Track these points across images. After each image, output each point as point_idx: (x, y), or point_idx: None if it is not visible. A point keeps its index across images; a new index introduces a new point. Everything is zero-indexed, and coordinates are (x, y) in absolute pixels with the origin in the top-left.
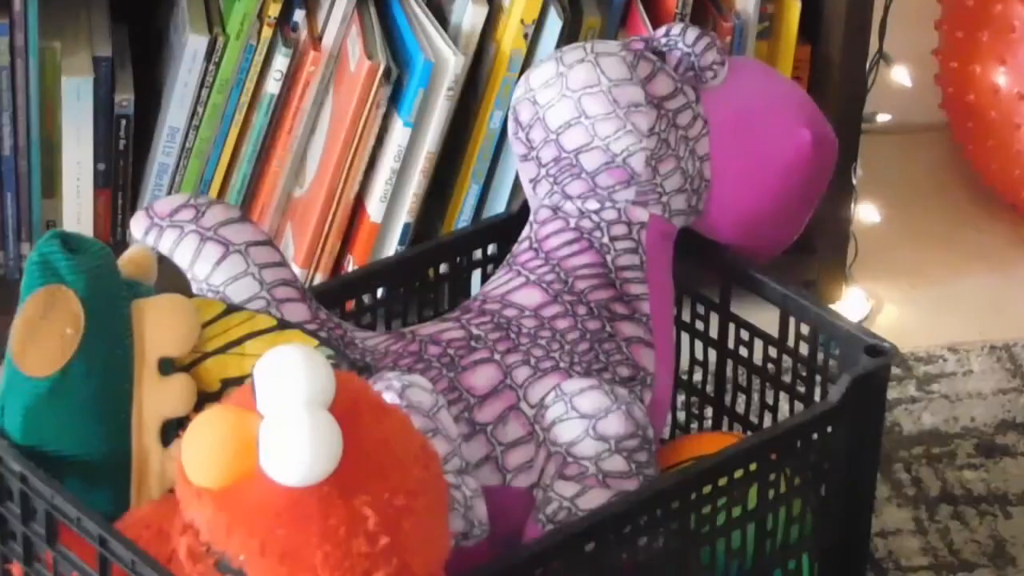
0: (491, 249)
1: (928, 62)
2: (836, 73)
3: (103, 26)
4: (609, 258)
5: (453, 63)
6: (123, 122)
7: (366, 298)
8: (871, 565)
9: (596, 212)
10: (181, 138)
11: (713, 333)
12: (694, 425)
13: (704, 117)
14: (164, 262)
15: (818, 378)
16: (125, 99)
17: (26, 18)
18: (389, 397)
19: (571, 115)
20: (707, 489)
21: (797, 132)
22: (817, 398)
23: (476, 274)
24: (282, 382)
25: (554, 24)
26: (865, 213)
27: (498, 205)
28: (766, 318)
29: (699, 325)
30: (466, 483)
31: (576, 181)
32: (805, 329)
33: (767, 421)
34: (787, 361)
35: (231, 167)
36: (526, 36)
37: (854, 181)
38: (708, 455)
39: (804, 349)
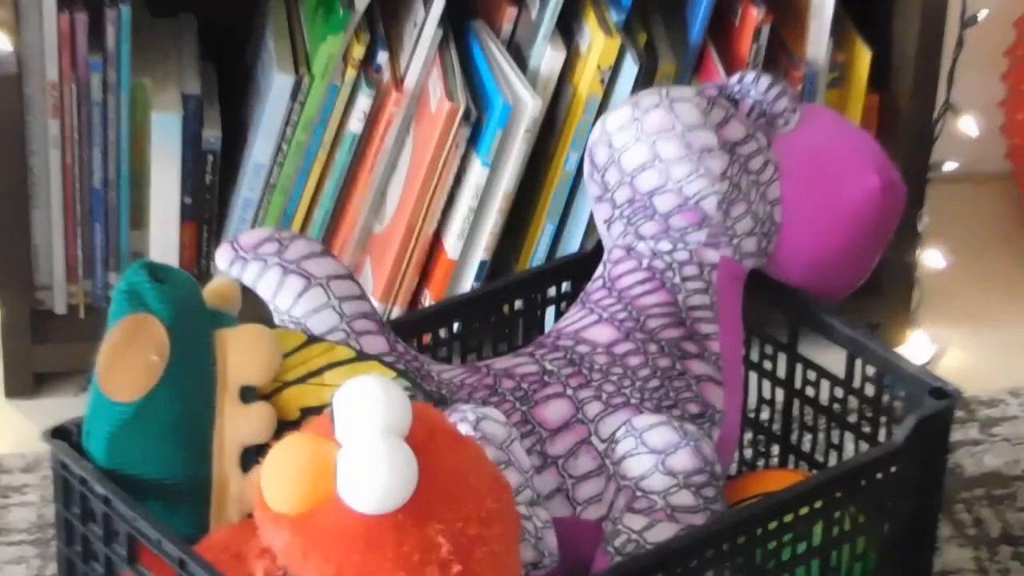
0: (565, 287)
1: (994, 113)
2: (904, 122)
3: (192, 64)
4: (680, 298)
5: (531, 106)
6: (210, 157)
7: (442, 332)
8: None
9: (668, 253)
10: (266, 174)
11: (781, 373)
12: (761, 462)
13: (775, 162)
14: (247, 293)
15: (883, 419)
16: (212, 135)
17: (119, 56)
18: (464, 429)
19: (646, 158)
20: (773, 525)
21: (866, 179)
22: (882, 438)
23: (550, 310)
24: (360, 412)
25: (630, 70)
26: (930, 259)
27: (572, 244)
28: (833, 359)
29: (767, 365)
30: (537, 514)
31: (649, 222)
32: (871, 371)
33: (832, 460)
34: (853, 401)
35: (313, 203)
36: (603, 81)
37: (920, 227)
38: (774, 492)
39: (870, 390)
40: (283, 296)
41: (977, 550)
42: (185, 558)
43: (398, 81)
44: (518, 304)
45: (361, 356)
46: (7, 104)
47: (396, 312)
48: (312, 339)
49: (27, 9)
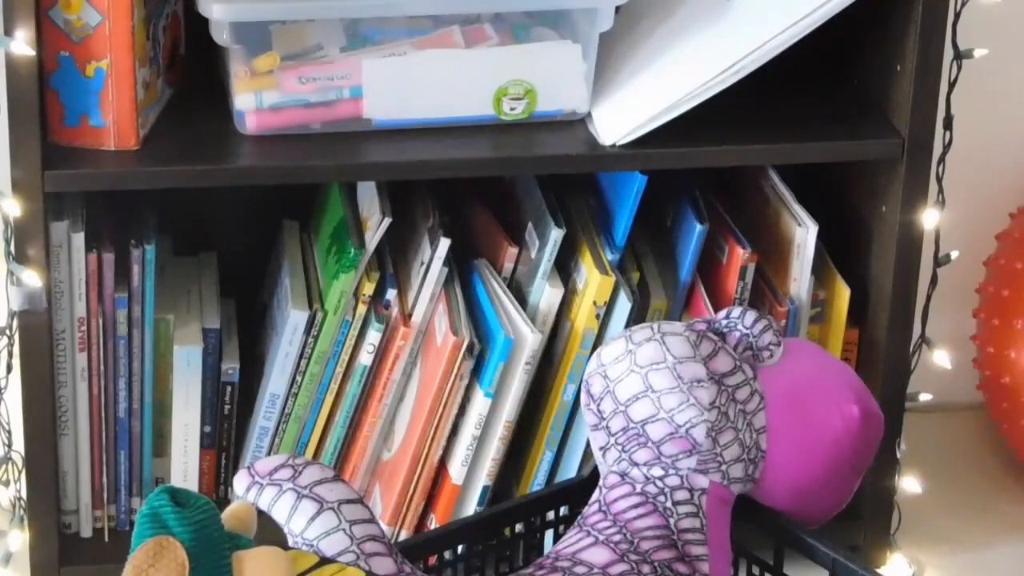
0: (563, 510)
1: (967, 346)
2: (882, 355)
3: (212, 299)
4: (672, 521)
5: (531, 340)
6: (228, 388)
7: (447, 554)
8: None
9: (660, 479)
10: (281, 404)
11: None
12: None
13: (761, 392)
14: (263, 516)
15: None
16: (231, 367)
17: (143, 292)
18: None
19: (639, 389)
20: None
21: (847, 408)
22: None
23: (549, 533)
24: None
25: (624, 306)
26: (908, 484)
27: (570, 469)
28: None
29: None
30: None
31: (642, 449)
32: None
33: None
34: None
35: (326, 431)
36: (598, 316)
37: (898, 455)
38: None
39: None
40: (297, 519)
41: None
42: None
43: (406, 316)
44: (519, 527)
45: None
46: (38, 339)
47: (403, 535)
48: (324, 560)
49: (57, 249)
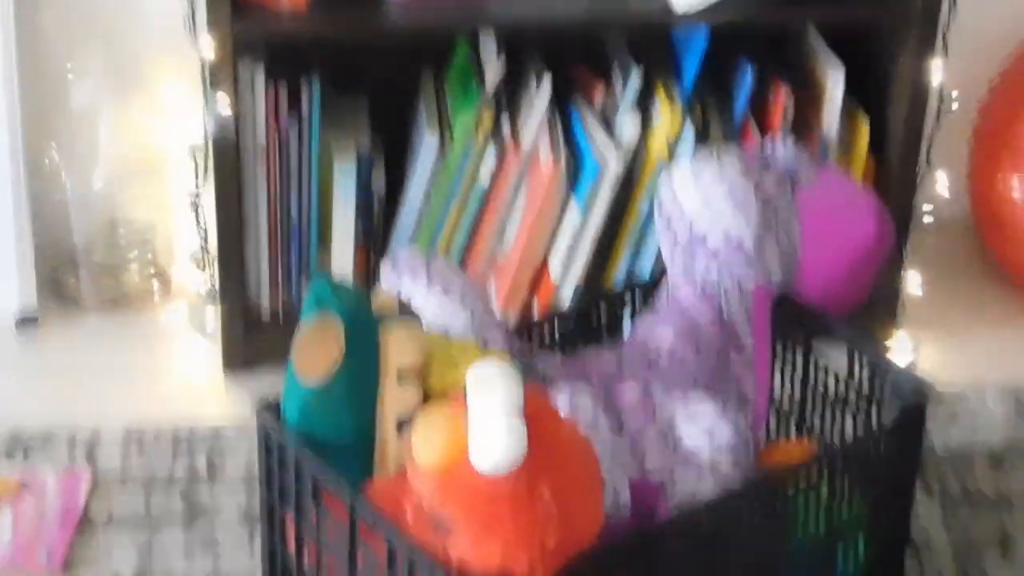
0: (638, 303)
1: (963, 173)
2: (894, 179)
3: (364, 129)
4: (725, 312)
5: (615, 166)
6: (377, 199)
7: (547, 334)
8: (909, 546)
9: (716, 278)
10: (418, 213)
11: (799, 371)
12: (782, 436)
13: (798, 209)
14: (402, 301)
15: (876, 407)
16: (379, 182)
17: (311, 120)
18: (562, 405)
19: (700, 204)
20: (791, 484)
21: (866, 223)
22: (875, 421)
23: (627, 320)
24: (486, 392)
25: (689, 136)
26: (912, 284)
27: (645, 269)
28: (839, 358)
29: (788, 364)
30: (615, 475)
31: (702, 254)
32: (868, 370)
33: (837, 436)
34: (853, 393)
35: (453, 235)
36: (669, 144)
37: (905, 260)
38: (792, 461)
39: (867, 385)
40: (429, 304)
41: (943, 507)
42: (355, 499)
43: (516, 144)
44: (603, 314)
45: (487, 350)
46: (227, 155)
47: (513, 319)
48: (450, 336)
49: (243, 83)
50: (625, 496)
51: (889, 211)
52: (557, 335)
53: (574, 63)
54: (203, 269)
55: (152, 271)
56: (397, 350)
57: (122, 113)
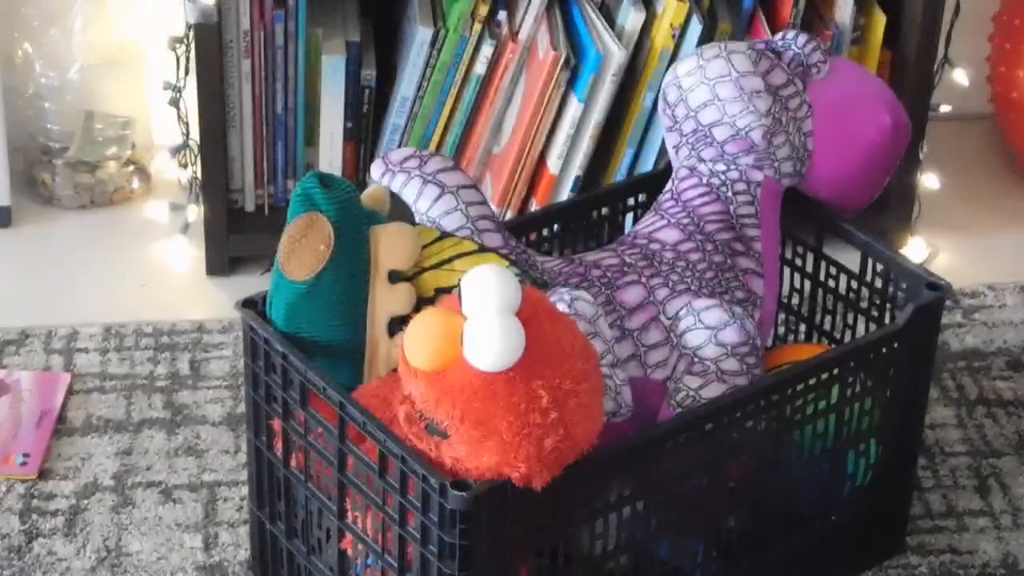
0: (641, 197)
1: (982, 66)
2: (911, 72)
3: (354, 18)
4: (732, 208)
5: (618, 55)
6: (367, 91)
7: (545, 231)
8: (922, 450)
9: (723, 173)
10: (410, 105)
11: (808, 268)
12: (791, 338)
13: (809, 103)
14: (394, 198)
15: (888, 306)
16: (369, 74)
17: (297, 10)
18: (561, 307)
19: (707, 97)
20: (800, 386)
21: (880, 117)
22: (887, 321)
23: (629, 216)
24: (481, 292)
25: (696, 27)
26: (928, 181)
27: (648, 164)
28: (850, 258)
29: (798, 262)
30: (616, 374)
31: (709, 148)
32: (880, 268)
33: (847, 337)
34: (864, 292)
35: (447, 128)
36: (674, 36)
37: (921, 156)
38: (801, 361)
39: (878, 283)
40: (422, 201)
41: (959, 409)
42: (344, 402)
43: (514, 34)
44: (604, 211)
45: (482, 249)
46: (210, 46)
47: (509, 215)
48: (444, 235)
49: None
50: (627, 396)
51: (905, 104)
52: (556, 233)
53: None
54: (184, 166)
55: (131, 168)
56: (388, 249)
57: (97, 1)
